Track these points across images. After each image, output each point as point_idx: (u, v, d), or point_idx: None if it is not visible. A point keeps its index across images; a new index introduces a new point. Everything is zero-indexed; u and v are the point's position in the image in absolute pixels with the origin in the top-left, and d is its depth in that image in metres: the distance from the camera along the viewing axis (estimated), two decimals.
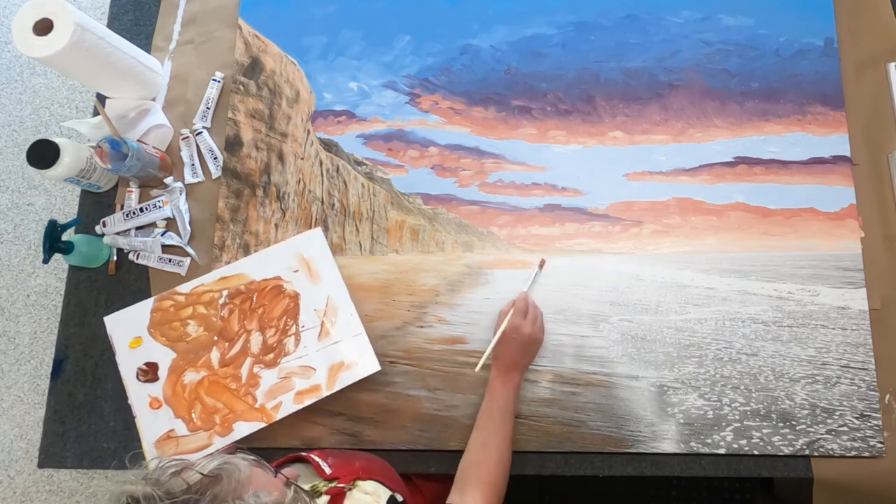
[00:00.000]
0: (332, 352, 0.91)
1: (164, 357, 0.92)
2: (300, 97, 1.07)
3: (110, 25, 1.12)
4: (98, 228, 1.03)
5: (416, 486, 0.96)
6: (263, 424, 0.89)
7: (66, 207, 1.90)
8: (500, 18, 1.08)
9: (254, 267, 0.95)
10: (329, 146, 1.05)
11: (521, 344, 0.88)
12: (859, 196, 0.97)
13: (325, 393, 0.89)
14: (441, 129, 1.05)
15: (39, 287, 1.86)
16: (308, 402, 0.89)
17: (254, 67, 1.09)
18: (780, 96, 1.01)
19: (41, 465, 0.97)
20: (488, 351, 0.88)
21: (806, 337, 0.92)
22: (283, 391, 0.90)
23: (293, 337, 0.92)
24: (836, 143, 0.99)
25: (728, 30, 1.04)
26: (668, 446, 0.89)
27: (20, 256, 1.88)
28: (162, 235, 1.01)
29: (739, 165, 0.99)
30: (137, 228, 1.03)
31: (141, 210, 1.02)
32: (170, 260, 1.01)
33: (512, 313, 0.89)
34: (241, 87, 1.07)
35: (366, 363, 0.91)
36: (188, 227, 1.02)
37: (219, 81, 1.07)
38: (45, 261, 0.93)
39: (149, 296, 1.00)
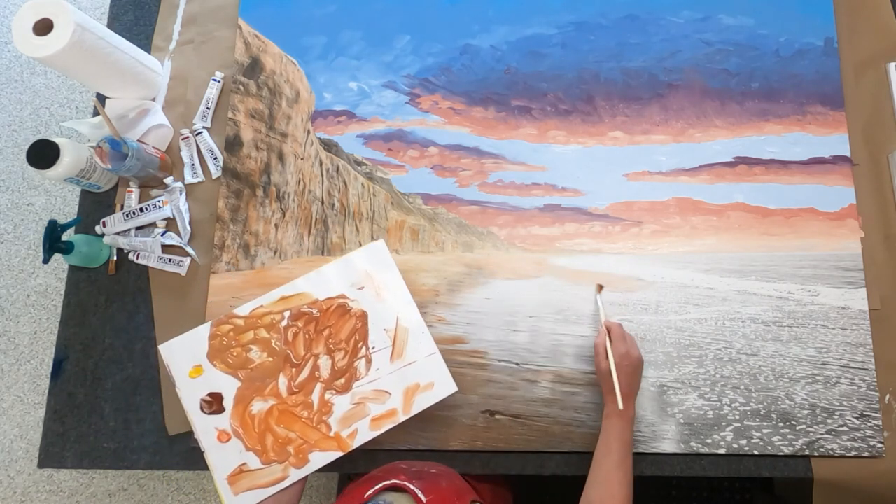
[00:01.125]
0: (407, 374, 0.86)
1: (229, 386, 0.87)
2: (300, 97, 1.07)
3: (110, 25, 1.12)
4: (98, 228, 1.03)
5: (476, 489, 0.95)
6: (340, 454, 0.84)
7: (66, 207, 1.90)
8: (500, 18, 1.08)
9: (315, 285, 0.90)
10: (329, 146, 1.05)
11: (633, 370, 0.84)
12: (859, 196, 0.97)
13: (402, 418, 0.85)
14: (441, 129, 1.05)
15: (39, 287, 1.86)
16: (385, 427, 0.85)
17: (254, 67, 1.09)
18: (780, 96, 1.01)
19: (41, 465, 0.97)
20: (617, 387, 0.81)
21: (806, 337, 0.92)
22: (358, 418, 0.85)
23: (364, 359, 0.87)
24: (836, 143, 0.99)
25: (728, 30, 1.04)
26: (668, 446, 0.89)
27: (20, 256, 1.88)
28: (162, 235, 1.01)
29: (739, 165, 1.00)
30: (137, 228, 1.03)
31: (141, 210, 1.02)
32: (170, 260, 1.01)
33: (613, 341, 0.85)
34: (241, 87, 1.08)
35: (442, 384, 0.86)
36: (188, 227, 1.02)
37: (219, 81, 1.07)
38: (45, 261, 0.92)
39: (149, 296, 1.00)
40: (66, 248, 0.96)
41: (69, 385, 0.99)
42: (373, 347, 0.88)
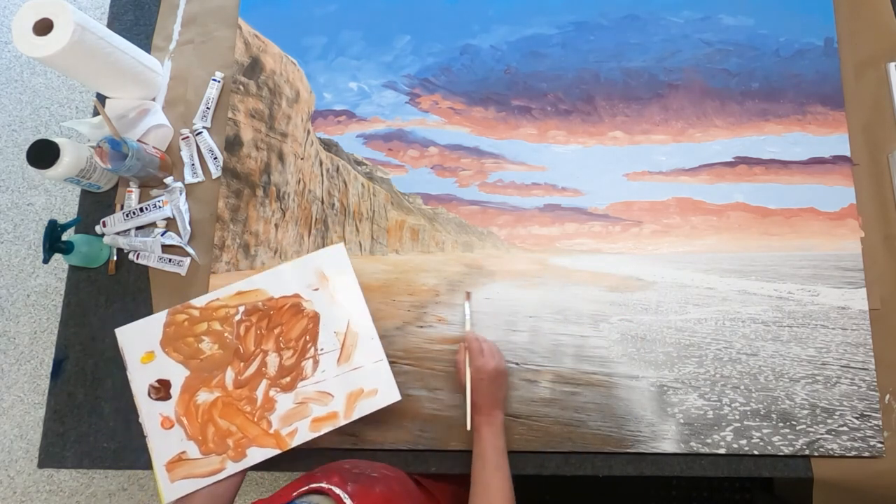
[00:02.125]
0: (352, 378, 0.87)
1: (177, 375, 0.88)
2: (300, 97, 1.07)
3: (110, 25, 1.12)
4: (98, 228, 1.03)
5: (430, 493, 0.95)
6: (277, 451, 0.85)
7: (66, 207, 1.90)
8: (500, 18, 1.08)
9: (272, 283, 0.90)
10: (329, 146, 1.05)
11: (491, 382, 0.85)
12: (859, 196, 0.97)
13: (343, 422, 0.85)
14: (441, 129, 1.05)
15: (39, 287, 1.86)
16: (325, 430, 0.85)
17: (254, 67, 1.09)
18: (780, 96, 1.01)
19: (41, 465, 0.97)
20: (468, 406, 0.84)
21: (806, 337, 0.92)
22: (299, 417, 0.86)
23: (311, 360, 0.87)
24: (836, 143, 0.99)
25: (728, 30, 1.04)
26: (668, 446, 0.89)
27: (20, 256, 1.88)
28: (162, 235, 1.01)
29: (739, 165, 1.00)
30: (137, 228, 1.03)
31: (141, 210, 1.02)
32: (170, 260, 1.01)
33: (469, 358, 0.86)
34: (241, 87, 1.08)
35: (386, 392, 0.86)
36: (188, 227, 1.02)
37: (219, 81, 1.07)
38: (45, 261, 0.92)
39: (149, 296, 1.00)
40: (66, 248, 0.96)
41: (69, 385, 0.99)
42: (321, 349, 0.88)
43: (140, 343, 0.89)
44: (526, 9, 1.08)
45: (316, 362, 0.88)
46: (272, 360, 0.88)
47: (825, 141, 0.99)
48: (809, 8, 1.04)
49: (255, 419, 0.86)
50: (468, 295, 0.96)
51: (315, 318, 0.89)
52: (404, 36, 1.08)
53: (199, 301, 0.91)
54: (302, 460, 0.92)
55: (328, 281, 0.90)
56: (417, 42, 1.08)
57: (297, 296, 0.90)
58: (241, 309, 0.90)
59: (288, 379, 0.87)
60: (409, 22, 1.09)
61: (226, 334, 0.89)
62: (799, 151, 0.99)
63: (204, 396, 0.87)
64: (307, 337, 0.88)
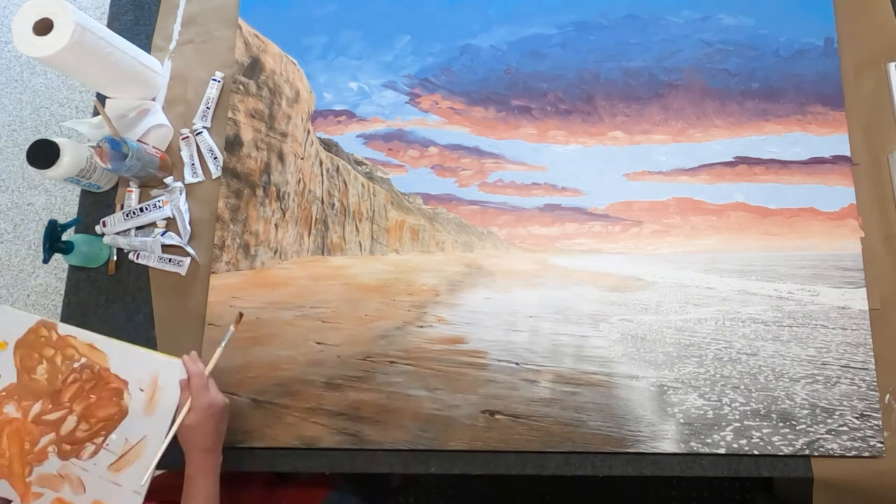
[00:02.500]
0: (106, 489, 0.84)
1: (7, 376, 0.88)
2: (300, 97, 1.07)
3: (110, 25, 1.12)
4: (98, 228, 1.03)
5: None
6: (16, 499, 0.84)
7: (66, 207, 1.90)
8: (500, 18, 1.08)
9: (117, 357, 0.88)
10: (329, 146, 1.05)
11: (219, 419, 0.81)
12: (859, 196, 0.97)
13: None
14: (441, 128, 1.05)
15: (39, 287, 1.86)
16: None
17: (254, 67, 1.09)
18: (780, 96, 1.01)
19: None
20: (162, 449, 0.78)
21: (806, 337, 0.92)
22: (52, 488, 0.85)
23: (94, 447, 0.86)
24: (836, 143, 0.99)
25: (728, 30, 1.04)
26: (668, 446, 0.89)
27: (20, 256, 1.88)
28: (162, 235, 1.01)
29: (739, 165, 1.00)
30: (137, 228, 1.03)
31: (141, 210, 1.02)
32: (170, 260, 1.01)
33: (194, 393, 0.81)
34: (241, 87, 1.08)
35: None
36: (188, 227, 1.02)
37: (219, 81, 1.07)
38: (45, 261, 0.92)
39: (149, 296, 1.00)
40: (66, 248, 0.96)
41: None
42: (107, 445, 0.86)
43: (4, 329, 0.89)
44: (526, 9, 1.08)
45: (96, 452, 0.86)
46: (70, 422, 0.87)
47: (825, 141, 0.99)
48: (809, 8, 1.04)
49: (24, 459, 0.86)
50: (240, 316, 0.89)
51: (122, 414, 0.87)
52: (404, 36, 1.08)
53: (64, 329, 0.89)
54: (300, 459, 0.92)
55: (155, 390, 0.88)
56: (417, 42, 1.08)
57: (125, 384, 0.88)
58: (83, 361, 0.89)
59: (69, 448, 0.86)
60: (409, 22, 1.09)
61: (59, 374, 0.88)
62: (799, 151, 0.99)
63: (8, 410, 0.87)
64: (106, 424, 0.87)
